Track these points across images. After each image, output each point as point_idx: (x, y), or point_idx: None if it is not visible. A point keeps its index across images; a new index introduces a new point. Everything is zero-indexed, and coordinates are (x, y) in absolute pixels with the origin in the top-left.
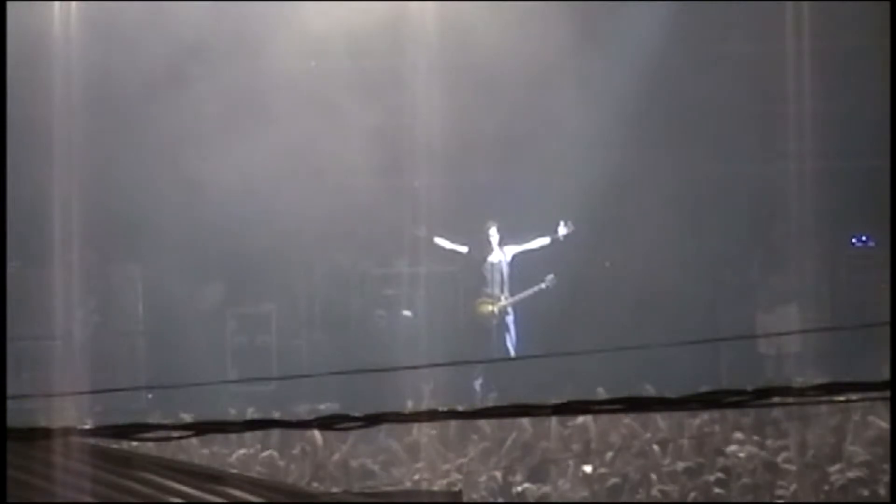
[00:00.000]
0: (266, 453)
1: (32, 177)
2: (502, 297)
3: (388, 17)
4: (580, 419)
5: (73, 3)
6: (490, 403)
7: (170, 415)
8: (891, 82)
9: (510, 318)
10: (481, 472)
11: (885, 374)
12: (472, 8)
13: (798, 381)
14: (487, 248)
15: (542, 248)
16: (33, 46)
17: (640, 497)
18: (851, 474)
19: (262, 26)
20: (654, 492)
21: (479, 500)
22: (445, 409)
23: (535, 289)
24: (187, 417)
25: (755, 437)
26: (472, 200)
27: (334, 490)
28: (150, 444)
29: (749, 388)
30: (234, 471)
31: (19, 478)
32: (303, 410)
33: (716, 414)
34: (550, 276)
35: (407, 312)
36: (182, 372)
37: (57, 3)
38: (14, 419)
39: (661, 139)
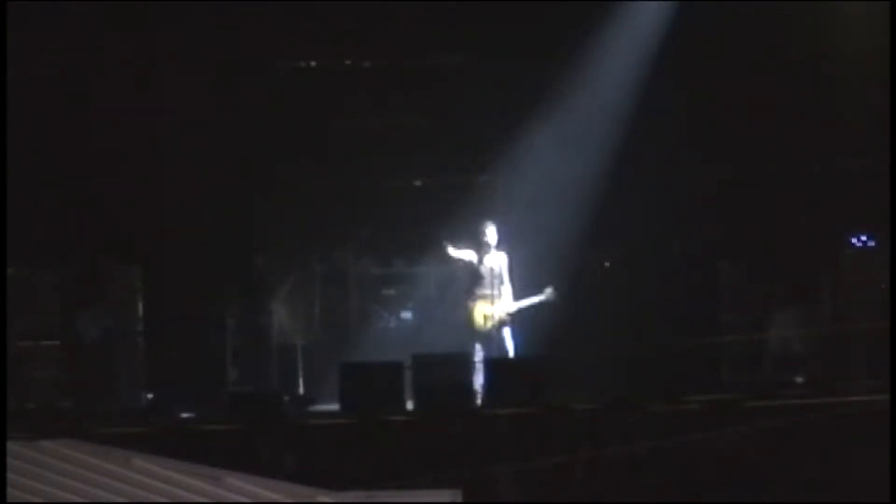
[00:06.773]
0: (265, 453)
1: None
2: (499, 301)
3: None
4: None
5: None
6: None
7: (170, 415)
8: (891, 82)
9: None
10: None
11: None
12: None
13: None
14: (485, 249)
15: (533, 305)
16: None
17: None
18: None
19: None
20: None
21: (479, 500)
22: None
23: (534, 300)
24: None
25: None
26: (472, 200)
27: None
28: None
29: (749, 388)
30: (234, 471)
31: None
32: (302, 410)
33: None
34: (549, 290)
35: (406, 314)
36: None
37: None
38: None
39: (660, 138)
